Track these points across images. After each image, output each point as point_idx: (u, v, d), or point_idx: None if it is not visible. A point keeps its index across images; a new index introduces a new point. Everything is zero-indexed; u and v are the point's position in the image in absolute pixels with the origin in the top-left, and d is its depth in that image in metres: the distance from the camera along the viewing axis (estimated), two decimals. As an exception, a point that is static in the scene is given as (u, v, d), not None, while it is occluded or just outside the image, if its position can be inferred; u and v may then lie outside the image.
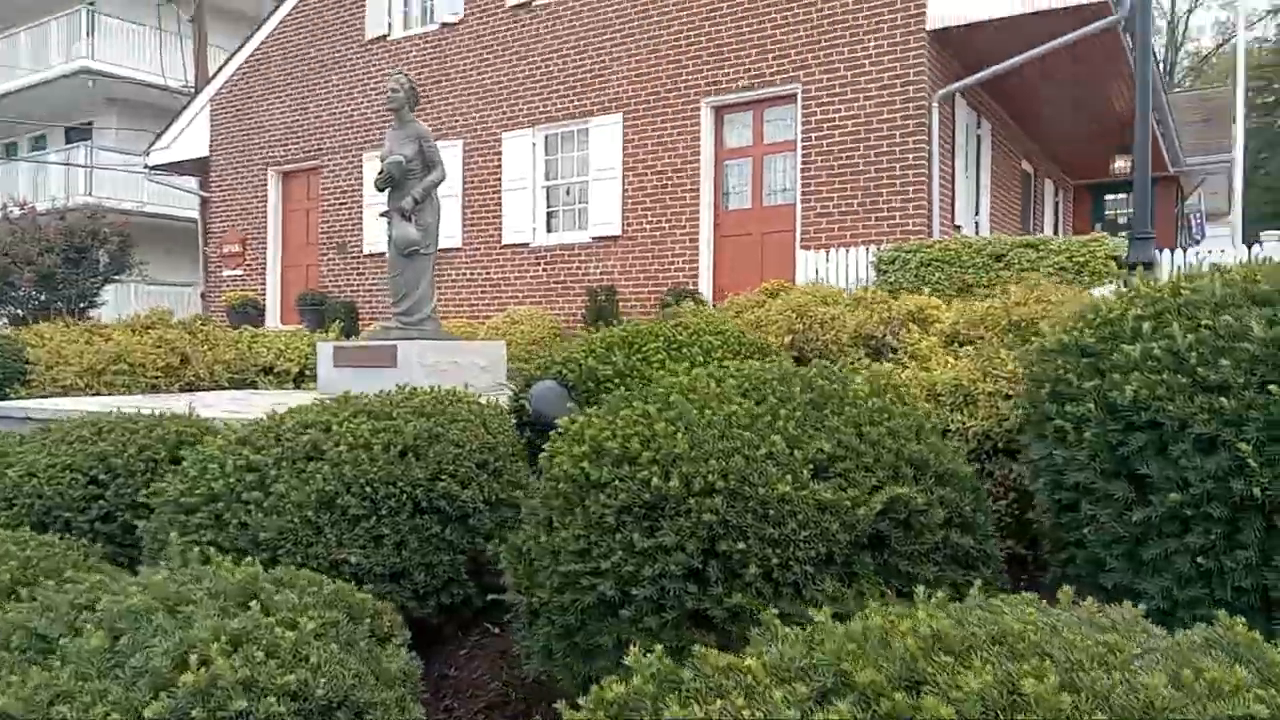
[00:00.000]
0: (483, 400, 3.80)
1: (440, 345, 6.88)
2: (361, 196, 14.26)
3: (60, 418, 5.95)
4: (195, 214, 20.24)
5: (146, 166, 17.67)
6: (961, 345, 4.09)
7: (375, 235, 14.08)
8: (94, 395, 7.49)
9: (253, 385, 9.01)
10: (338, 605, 2.26)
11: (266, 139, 15.53)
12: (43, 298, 16.24)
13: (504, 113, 12.81)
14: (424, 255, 7.06)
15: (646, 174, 11.63)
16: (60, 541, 3.27)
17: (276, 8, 15.72)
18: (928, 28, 9.86)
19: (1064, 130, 14.62)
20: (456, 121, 13.27)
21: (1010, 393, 3.10)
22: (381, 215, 7.18)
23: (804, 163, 10.55)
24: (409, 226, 6.95)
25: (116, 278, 17.86)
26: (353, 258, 14.43)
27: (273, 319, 15.29)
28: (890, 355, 4.37)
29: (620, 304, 11.42)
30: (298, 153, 15.14)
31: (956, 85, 10.20)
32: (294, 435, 3.27)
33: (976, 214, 12.03)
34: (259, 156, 15.65)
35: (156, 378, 7.88)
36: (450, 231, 13.29)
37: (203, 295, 20.33)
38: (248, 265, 15.92)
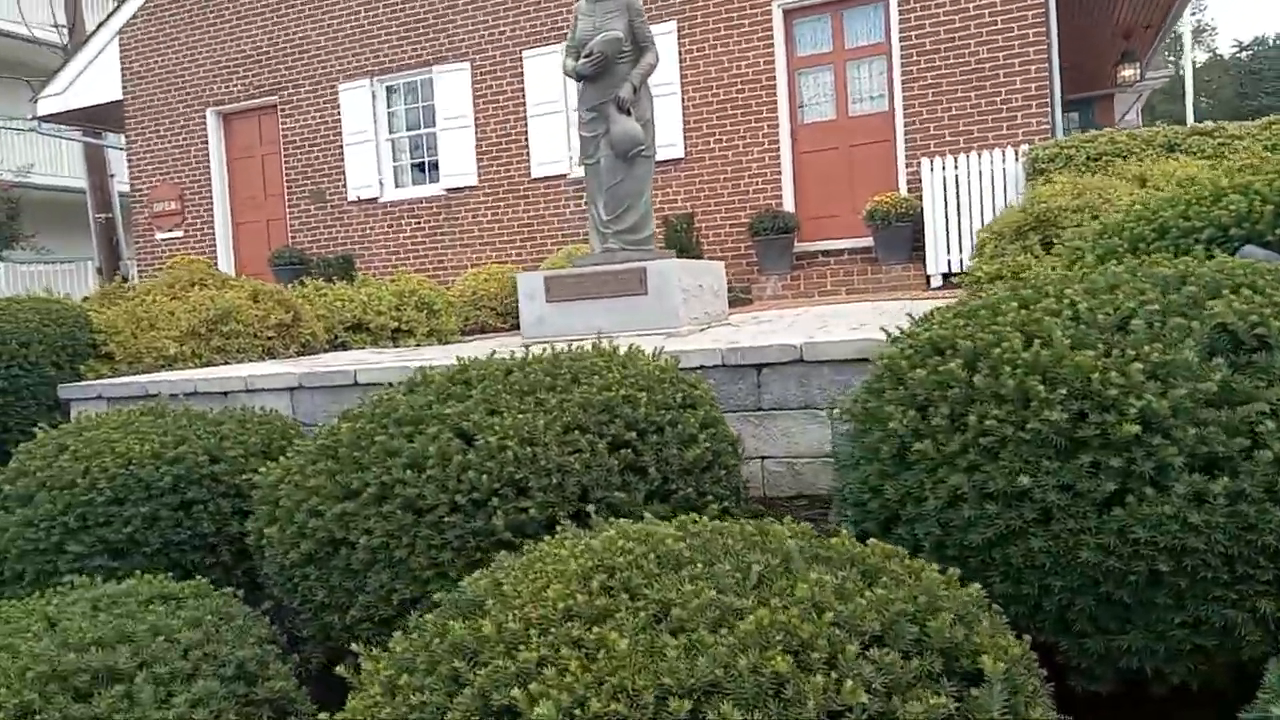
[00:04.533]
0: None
1: (687, 266, 5.58)
2: (340, 135, 12.33)
3: (262, 386, 4.39)
4: (84, 183, 17.41)
5: (34, 118, 14.83)
6: None
7: (364, 179, 12.23)
8: (207, 365, 5.75)
9: (343, 346, 7.36)
10: None
11: (201, 75, 13.22)
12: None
13: (524, 29, 11.22)
14: (646, 158, 5.70)
15: (711, 87, 10.41)
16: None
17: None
18: (1038, -92, 9.09)
19: (1071, 39, 14.30)
20: (461, 42, 11.57)
21: None
22: (589, 110, 5.75)
23: (904, 64, 9.62)
24: (631, 121, 5.57)
25: (2, 254, 15.15)
26: (334, 207, 12.50)
27: (230, 285, 13.12)
28: None
29: (698, 232, 10.22)
30: (245, 89, 12.95)
31: (1066, -28, 9.50)
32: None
33: (1045, 119, 11.46)
34: (193, 96, 13.32)
35: (271, 339, 6.15)
36: (464, 168, 11.66)
37: (99, 270, 17.64)
38: (188, 225, 13.61)
